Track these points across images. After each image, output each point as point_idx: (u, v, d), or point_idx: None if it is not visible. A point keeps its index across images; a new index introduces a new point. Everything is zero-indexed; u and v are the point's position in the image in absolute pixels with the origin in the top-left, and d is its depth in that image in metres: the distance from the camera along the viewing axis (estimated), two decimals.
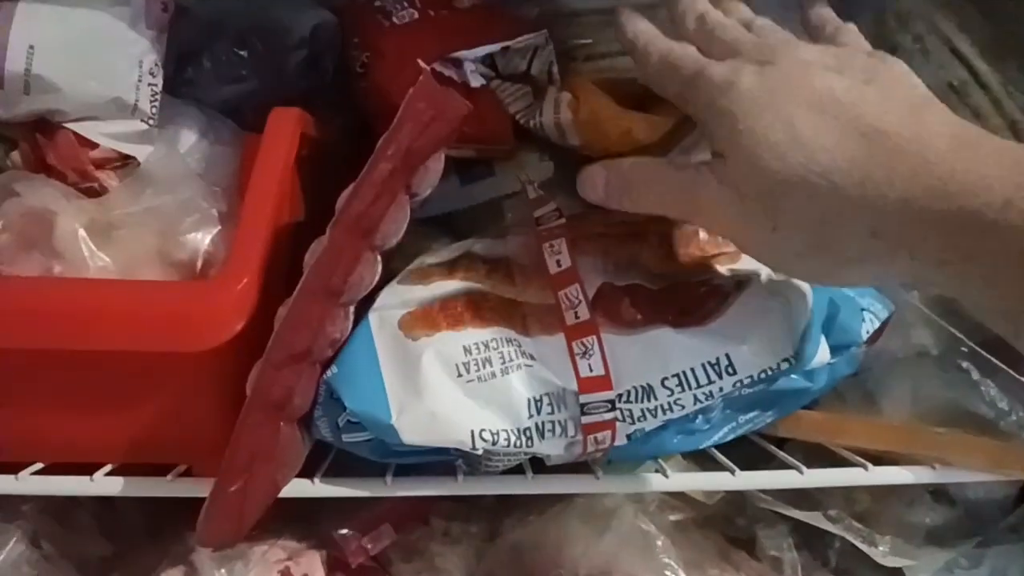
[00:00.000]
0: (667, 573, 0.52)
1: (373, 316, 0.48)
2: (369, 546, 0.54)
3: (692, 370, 0.44)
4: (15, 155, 0.49)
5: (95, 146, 0.49)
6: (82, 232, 0.45)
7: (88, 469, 0.48)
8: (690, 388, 0.44)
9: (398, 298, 0.49)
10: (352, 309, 0.47)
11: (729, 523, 0.60)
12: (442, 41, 0.59)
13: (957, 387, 0.55)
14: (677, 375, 0.44)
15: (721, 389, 0.45)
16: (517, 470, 0.51)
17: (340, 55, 0.64)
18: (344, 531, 0.54)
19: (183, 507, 0.58)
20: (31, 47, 0.46)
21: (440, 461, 0.50)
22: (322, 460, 0.51)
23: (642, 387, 0.45)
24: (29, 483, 0.47)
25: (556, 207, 0.53)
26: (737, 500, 0.60)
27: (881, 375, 0.57)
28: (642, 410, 0.45)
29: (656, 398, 0.45)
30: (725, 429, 0.52)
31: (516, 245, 0.51)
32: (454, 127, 0.45)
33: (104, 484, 0.47)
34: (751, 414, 0.52)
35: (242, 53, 0.57)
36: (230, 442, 0.42)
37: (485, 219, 0.64)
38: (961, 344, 0.57)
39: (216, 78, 0.57)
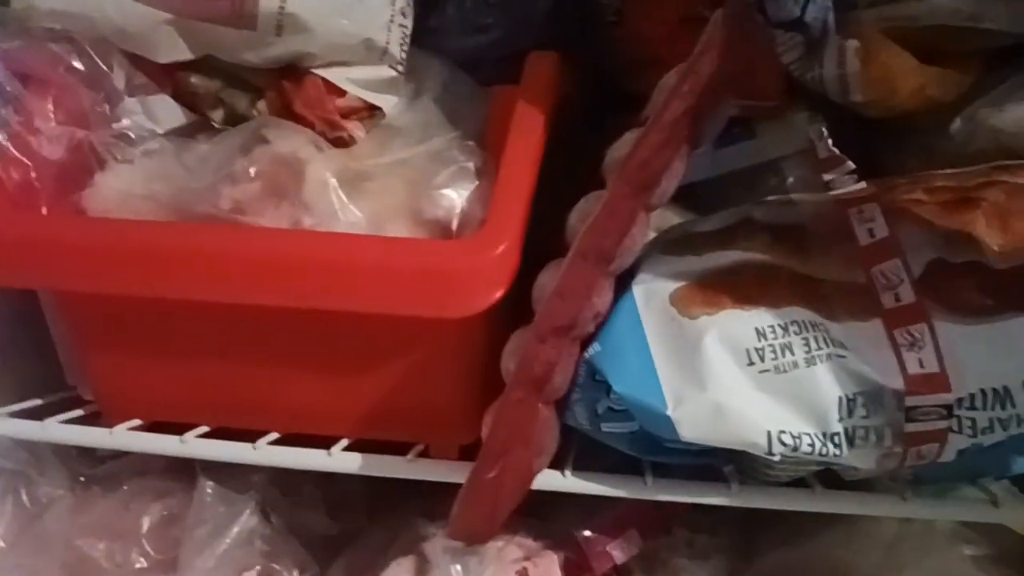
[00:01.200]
0: None
1: (638, 289, 0.42)
2: (615, 554, 0.47)
3: None
4: (261, 104, 0.47)
5: (342, 94, 0.46)
6: (333, 182, 0.41)
7: (318, 443, 0.45)
8: None
9: (666, 269, 0.42)
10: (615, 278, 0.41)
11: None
12: None
13: None
14: None
15: None
16: (799, 482, 0.43)
17: (586, 5, 0.58)
18: (588, 533, 0.48)
19: (408, 489, 0.55)
20: None
21: (706, 463, 0.43)
22: (567, 450, 0.45)
23: (994, 390, 0.36)
24: (266, 453, 0.45)
25: (854, 169, 0.45)
26: None
27: None
28: (990, 420, 0.36)
29: (1014, 405, 0.35)
30: None
31: (809, 210, 0.43)
32: (755, 65, 0.38)
33: (342, 460, 0.44)
34: None
35: (489, 0, 0.53)
36: (490, 421, 0.37)
37: (739, 191, 0.56)
38: None
39: (461, 26, 0.53)
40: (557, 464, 0.43)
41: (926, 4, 0.52)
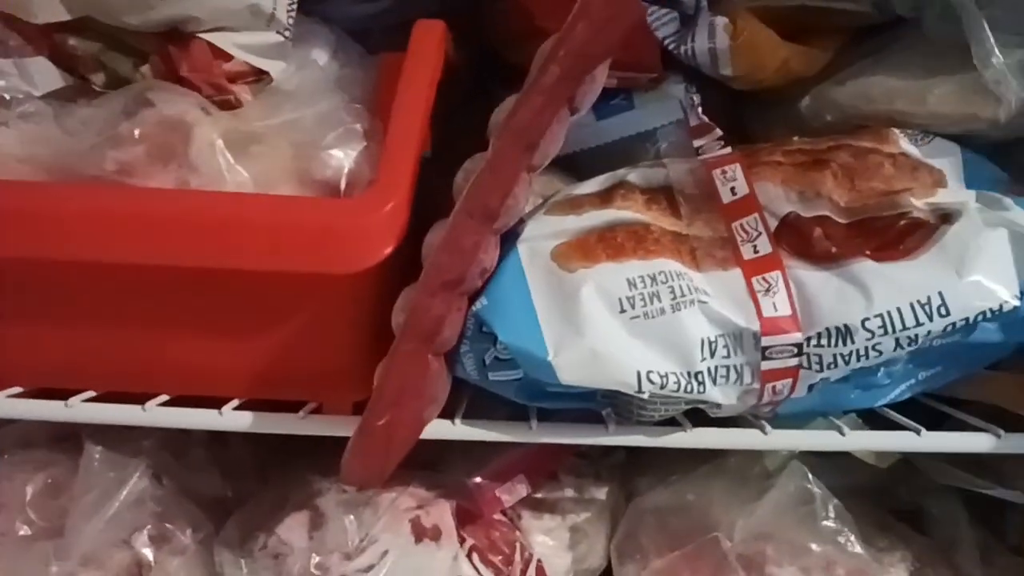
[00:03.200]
0: (839, 540, 0.47)
1: (522, 247, 0.44)
2: (504, 497, 0.50)
3: (899, 309, 0.39)
4: (145, 68, 0.46)
5: (229, 58, 0.46)
6: (220, 143, 0.42)
7: (210, 404, 0.46)
8: (894, 331, 0.39)
9: (548, 228, 0.45)
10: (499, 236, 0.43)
11: (889, 494, 0.55)
12: None
13: None
14: (881, 315, 0.39)
15: (929, 333, 0.39)
16: (671, 421, 0.46)
17: None
18: (477, 480, 0.50)
19: (300, 449, 0.55)
20: None
21: (586, 407, 0.46)
22: (458, 402, 0.47)
23: (838, 328, 0.40)
24: (155, 414, 0.45)
25: (721, 135, 0.48)
26: (900, 468, 0.55)
27: None
28: (834, 355, 0.40)
29: (853, 341, 0.39)
30: (903, 386, 0.46)
31: (679, 172, 0.46)
32: (627, 31, 0.41)
33: (233, 418, 0.45)
34: (932, 371, 0.46)
35: None
36: (381, 372, 0.38)
37: (619, 159, 0.59)
38: None
39: None
40: (448, 415, 0.45)
41: None
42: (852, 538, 0.47)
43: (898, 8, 0.51)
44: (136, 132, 0.41)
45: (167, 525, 0.47)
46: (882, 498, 0.55)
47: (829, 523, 0.47)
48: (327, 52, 0.51)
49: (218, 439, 0.55)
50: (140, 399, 0.45)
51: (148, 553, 0.47)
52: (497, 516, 0.52)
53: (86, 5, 0.44)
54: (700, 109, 0.52)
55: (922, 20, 0.49)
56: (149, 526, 0.47)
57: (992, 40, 0.44)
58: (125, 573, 0.46)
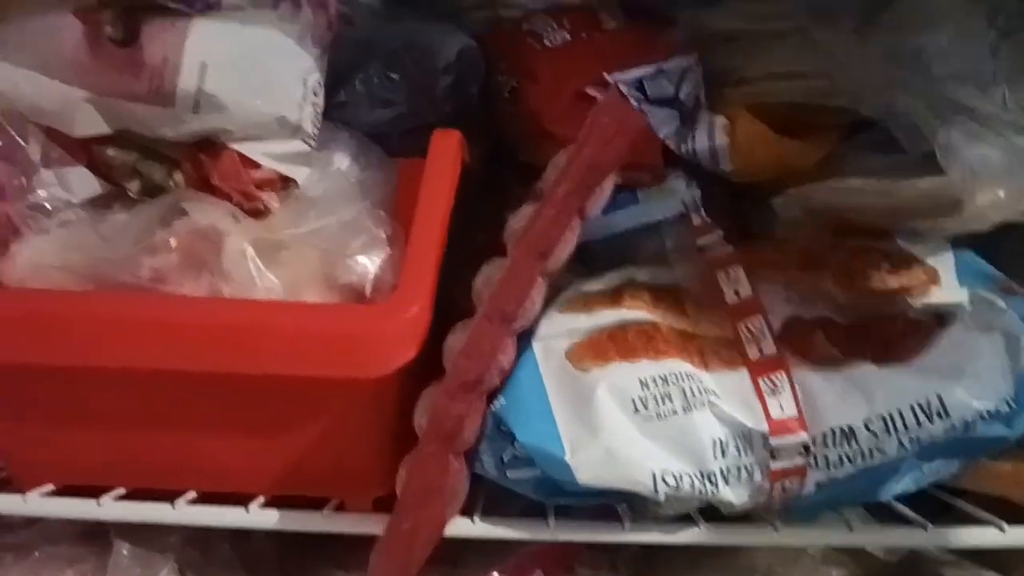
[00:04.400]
0: None
1: (537, 346, 0.46)
2: None
3: (900, 412, 0.41)
4: (178, 175, 0.49)
5: (257, 167, 0.48)
6: (251, 251, 0.44)
7: (235, 500, 0.47)
8: (895, 432, 0.41)
9: (561, 327, 0.47)
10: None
11: None
12: (595, 64, 0.57)
13: None
14: (883, 417, 0.41)
15: (931, 435, 0.41)
16: (685, 518, 0.47)
17: (483, 81, 0.63)
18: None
19: (320, 542, 0.56)
20: (204, 64, 0.45)
21: (602, 504, 0.47)
22: (476, 498, 0.48)
23: (842, 429, 0.41)
24: (185, 513, 0.46)
25: (722, 234, 0.51)
26: (907, 559, 0.55)
27: None
28: (840, 455, 0.41)
29: (857, 442, 0.41)
30: (908, 478, 0.47)
31: (684, 272, 0.48)
32: (633, 143, 0.44)
33: (260, 516, 0.46)
34: (936, 463, 0.47)
35: (394, 76, 0.57)
36: (405, 475, 0.40)
37: (624, 250, 0.61)
38: None
39: (368, 101, 0.56)
40: (466, 511, 0.46)
41: (785, 84, 0.59)
42: None
43: (867, 112, 0.54)
44: (172, 241, 0.44)
45: None
46: None
47: None
48: (348, 156, 0.54)
49: (240, 533, 0.56)
50: (167, 497, 0.46)
51: None
52: None
53: (124, 119, 0.47)
54: (701, 206, 0.55)
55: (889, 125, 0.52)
56: None
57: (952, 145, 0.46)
58: None
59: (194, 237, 0.44)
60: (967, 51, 0.50)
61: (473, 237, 0.50)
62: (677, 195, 0.59)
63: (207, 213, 0.45)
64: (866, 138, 0.57)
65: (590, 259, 0.59)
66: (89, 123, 0.47)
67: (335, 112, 0.56)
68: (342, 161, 0.53)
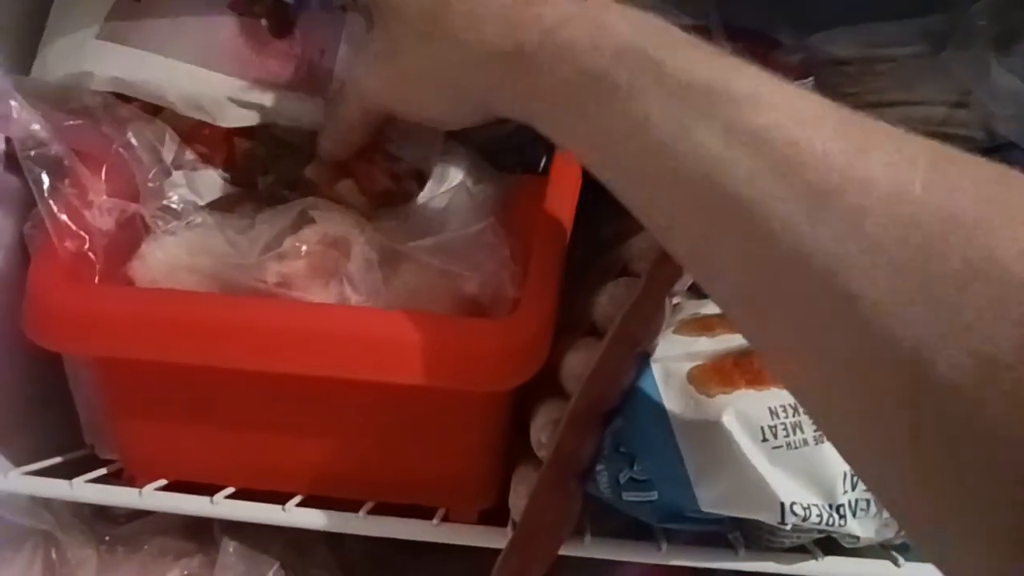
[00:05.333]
0: None
1: (656, 367, 0.45)
2: None
3: None
4: (310, 168, 0.49)
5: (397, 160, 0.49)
6: (376, 260, 0.44)
7: (341, 505, 0.47)
8: None
9: (681, 349, 0.46)
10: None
11: None
12: None
13: None
14: None
15: None
16: (800, 548, 0.46)
17: None
18: None
19: (409, 548, 0.56)
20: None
21: (714, 530, 0.46)
22: (584, 516, 0.48)
23: None
24: (295, 515, 0.46)
25: None
26: None
27: None
28: None
29: None
30: None
31: None
32: None
33: (373, 523, 0.46)
34: None
35: None
36: (530, 498, 0.40)
37: None
38: None
39: None
40: (577, 530, 0.46)
41: (904, 109, 0.58)
42: None
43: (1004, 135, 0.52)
44: (302, 248, 0.44)
45: None
46: None
47: None
48: (463, 170, 0.54)
49: (335, 537, 0.56)
50: (276, 499, 0.47)
51: None
52: None
53: (274, 110, 0.48)
54: None
55: None
56: None
57: None
58: None
59: (323, 245, 0.45)
60: None
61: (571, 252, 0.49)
62: None
63: (336, 221, 0.45)
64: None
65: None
66: (240, 114, 0.48)
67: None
68: (456, 175, 0.53)
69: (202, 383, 0.45)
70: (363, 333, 0.41)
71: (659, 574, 0.53)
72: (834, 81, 0.61)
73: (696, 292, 0.55)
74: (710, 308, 0.49)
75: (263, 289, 0.44)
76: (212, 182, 0.50)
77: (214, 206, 0.50)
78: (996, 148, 0.53)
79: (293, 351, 0.41)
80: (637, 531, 0.47)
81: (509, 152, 0.58)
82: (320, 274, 0.44)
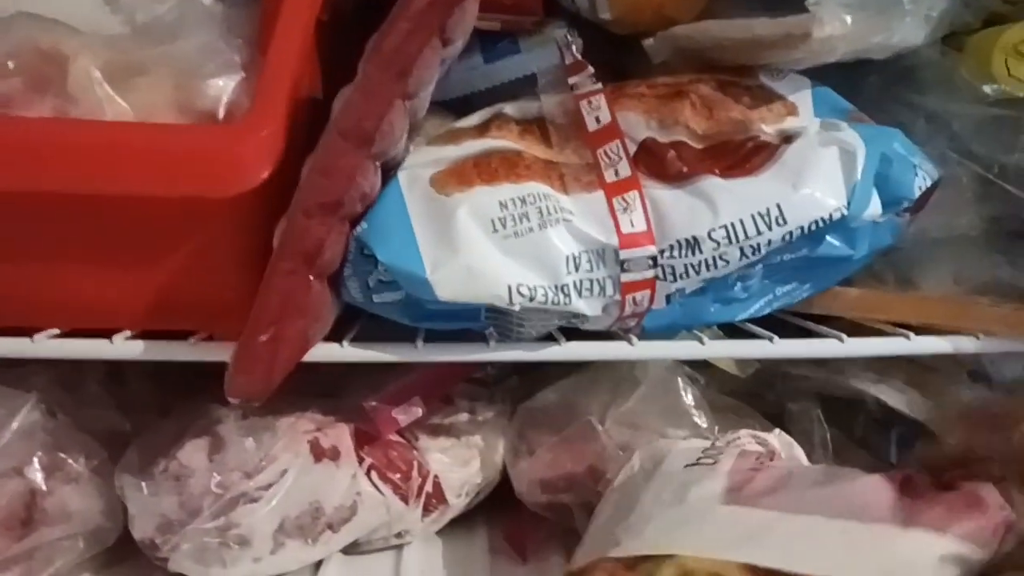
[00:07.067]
0: (695, 420, 0.52)
1: (402, 174, 0.46)
2: (400, 418, 0.52)
3: (741, 221, 0.43)
4: None
5: None
6: (98, 75, 0.42)
7: (102, 336, 0.47)
8: (737, 240, 0.43)
9: (428, 157, 0.47)
10: (379, 165, 0.45)
11: (758, 399, 0.60)
12: None
13: (1001, 266, 0.53)
14: (725, 226, 0.43)
15: (769, 242, 0.43)
16: (548, 338, 0.49)
17: None
18: (374, 403, 0.52)
19: (198, 385, 0.57)
20: None
21: (470, 327, 0.49)
22: (348, 327, 0.49)
23: (687, 240, 0.43)
24: (45, 346, 0.45)
25: (593, 73, 0.51)
26: (766, 377, 0.60)
27: (919, 256, 0.55)
28: (685, 265, 0.44)
29: (701, 251, 0.43)
30: (761, 302, 0.50)
31: (550, 104, 0.49)
32: None
33: (124, 348, 0.46)
34: (788, 287, 0.50)
35: None
36: (259, 290, 0.40)
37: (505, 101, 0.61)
38: (1003, 225, 0.55)
39: None
40: (337, 338, 0.48)
41: None
42: (704, 418, 0.53)
43: None
44: (10, 64, 0.42)
45: (59, 454, 0.48)
46: (755, 403, 0.60)
47: (690, 408, 0.53)
48: None
49: (116, 377, 0.56)
50: (30, 332, 0.46)
51: (40, 481, 0.48)
52: (395, 437, 0.54)
53: None
54: (576, 50, 0.55)
55: None
56: (40, 455, 0.48)
57: None
58: (19, 501, 0.47)
59: (38, 60, 0.43)
60: None
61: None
62: (557, 44, 0.59)
63: (50, 34, 0.43)
64: None
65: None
66: None
67: None
68: None
69: None
70: (80, 143, 0.40)
71: (437, 380, 0.55)
72: None
73: (454, 111, 0.56)
74: (463, 123, 0.50)
75: None
76: None
77: None
78: None
79: (7, 167, 0.40)
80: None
81: None
82: (36, 91, 0.42)
